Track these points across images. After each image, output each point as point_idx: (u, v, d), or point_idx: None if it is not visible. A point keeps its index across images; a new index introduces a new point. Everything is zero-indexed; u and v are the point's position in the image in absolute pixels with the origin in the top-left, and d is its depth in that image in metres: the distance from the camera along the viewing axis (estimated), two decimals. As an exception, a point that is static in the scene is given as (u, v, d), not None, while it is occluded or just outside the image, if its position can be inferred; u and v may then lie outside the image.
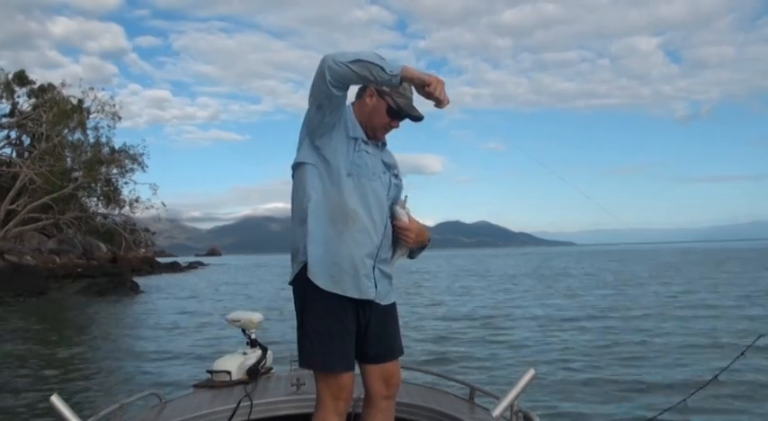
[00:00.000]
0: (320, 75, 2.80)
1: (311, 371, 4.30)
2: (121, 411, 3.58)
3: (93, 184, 50.80)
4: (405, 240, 3.14)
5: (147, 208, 52.60)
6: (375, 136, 3.10)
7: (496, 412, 3.14)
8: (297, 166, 3.05)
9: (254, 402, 3.85)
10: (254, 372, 4.31)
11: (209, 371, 4.39)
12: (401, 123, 3.12)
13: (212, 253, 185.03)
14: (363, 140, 3.03)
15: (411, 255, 3.30)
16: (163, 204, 53.34)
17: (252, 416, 3.83)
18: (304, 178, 3.00)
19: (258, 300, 27.44)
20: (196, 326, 17.54)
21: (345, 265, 2.94)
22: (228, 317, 4.46)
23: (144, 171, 52.69)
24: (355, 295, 2.97)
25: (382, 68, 2.71)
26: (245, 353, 4.40)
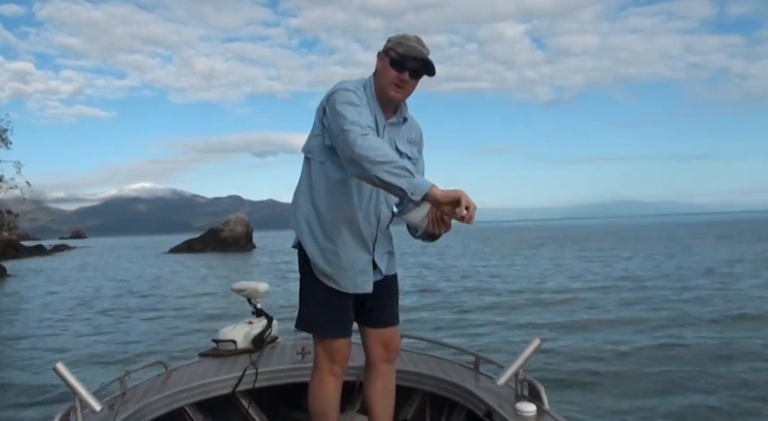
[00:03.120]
0: (345, 154, 2.74)
1: (316, 339, 4.38)
2: (127, 379, 3.58)
3: (-47, 162, 47.80)
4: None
5: (10, 188, 49.99)
6: (390, 96, 3.03)
7: (501, 381, 3.18)
8: (306, 158, 3.09)
9: (259, 370, 3.92)
10: (260, 341, 4.38)
11: (214, 341, 4.40)
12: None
13: (77, 235, 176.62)
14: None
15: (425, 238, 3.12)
16: (27, 184, 50.83)
17: (257, 384, 3.91)
18: (311, 173, 3.05)
19: (136, 278, 26.81)
20: (68, 309, 17.26)
21: (343, 263, 3.05)
22: (234, 287, 4.47)
23: (8, 148, 49.92)
24: (352, 291, 3.09)
25: (404, 191, 2.59)
26: (250, 323, 4.44)
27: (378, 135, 2.99)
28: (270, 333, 4.46)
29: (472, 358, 3.92)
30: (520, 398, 3.18)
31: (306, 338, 4.45)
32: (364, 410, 3.60)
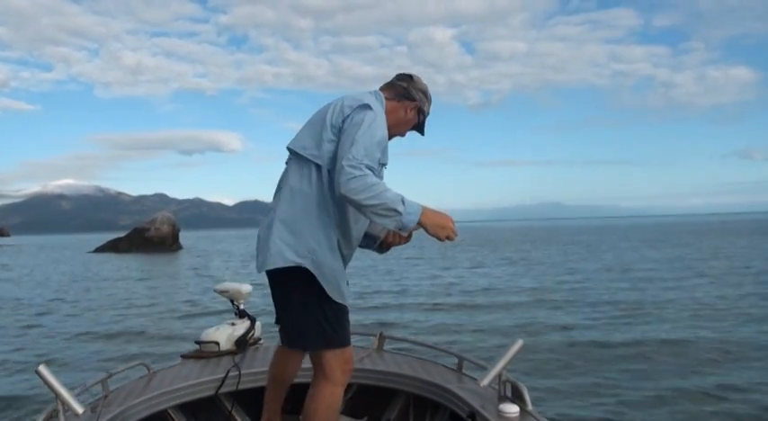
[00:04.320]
0: (334, 184, 2.77)
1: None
2: (109, 381, 3.52)
3: None
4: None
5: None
6: (398, 134, 3.26)
7: (484, 382, 3.18)
8: (316, 165, 2.97)
9: (242, 372, 3.88)
10: (243, 343, 4.34)
11: (197, 342, 4.35)
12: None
13: (0, 233, 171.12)
14: (385, 164, 3.06)
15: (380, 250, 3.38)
16: (-50, 179, 49.12)
17: (240, 386, 3.87)
18: (322, 182, 2.96)
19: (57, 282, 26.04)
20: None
21: (344, 276, 3.06)
22: (217, 288, 4.42)
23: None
24: (349, 302, 3.10)
25: (395, 216, 2.70)
26: (233, 324, 4.39)
27: (383, 152, 2.98)
28: (253, 334, 4.43)
29: (455, 359, 3.93)
30: (503, 399, 3.19)
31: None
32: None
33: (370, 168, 2.72)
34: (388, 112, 3.10)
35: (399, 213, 2.68)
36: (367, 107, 2.91)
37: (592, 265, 26.70)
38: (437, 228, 2.79)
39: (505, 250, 42.86)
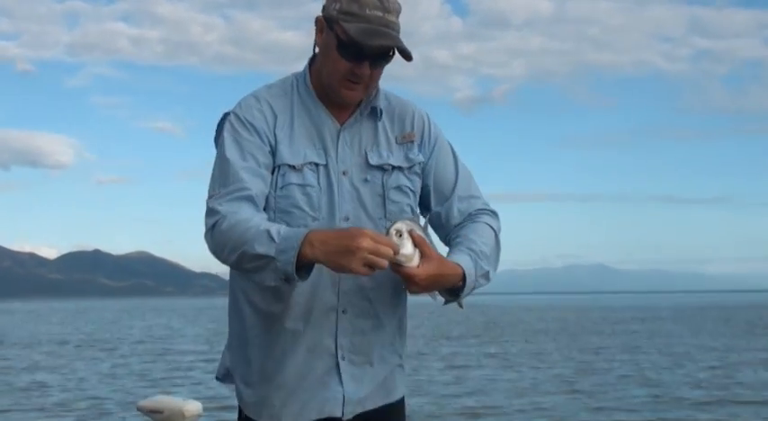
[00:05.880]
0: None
1: None
2: None
3: None
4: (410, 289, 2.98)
5: None
6: (338, 96, 3.09)
7: None
8: None
9: None
10: None
11: None
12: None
13: None
14: (294, 166, 3.00)
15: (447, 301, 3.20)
16: None
17: None
18: None
19: None
20: None
21: (287, 379, 3.07)
22: (142, 404, 4.35)
23: None
24: (313, 416, 3.08)
25: (269, 264, 2.71)
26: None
27: (329, 152, 3.06)
28: (202, 485, 4.41)
29: None
30: None
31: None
32: None
33: (231, 196, 2.83)
34: (315, 64, 3.15)
35: (269, 257, 2.67)
36: (223, 119, 3.09)
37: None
38: (337, 256, 2.65)
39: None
